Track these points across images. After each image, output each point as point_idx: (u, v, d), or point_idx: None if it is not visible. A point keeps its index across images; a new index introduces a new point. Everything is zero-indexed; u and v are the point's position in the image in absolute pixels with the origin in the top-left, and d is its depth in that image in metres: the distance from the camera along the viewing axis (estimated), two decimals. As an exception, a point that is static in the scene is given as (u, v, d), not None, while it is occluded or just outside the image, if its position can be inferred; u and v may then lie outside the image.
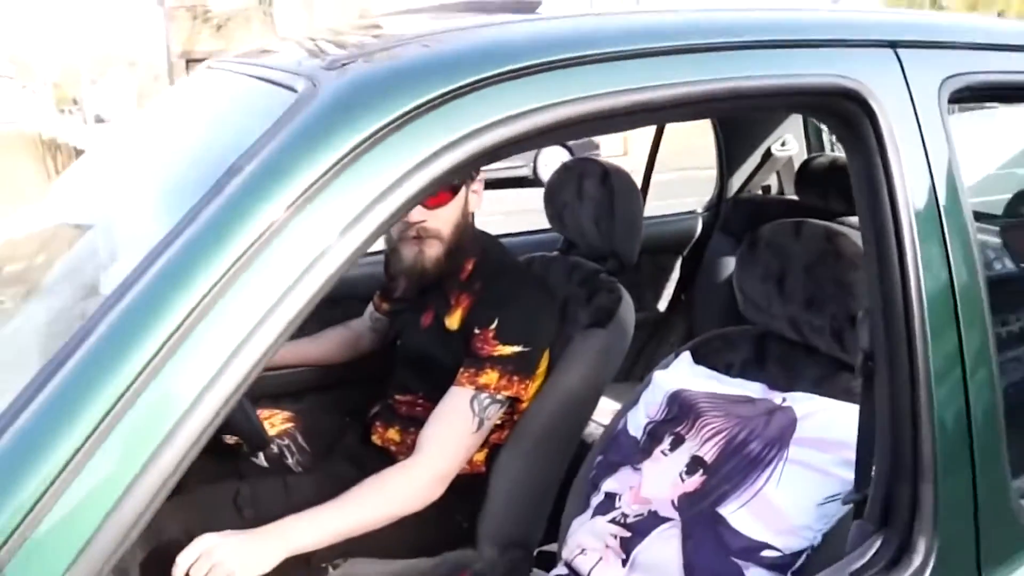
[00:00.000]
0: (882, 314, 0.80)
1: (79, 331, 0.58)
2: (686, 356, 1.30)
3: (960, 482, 0.81)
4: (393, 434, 1.44)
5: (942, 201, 0.82)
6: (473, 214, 1.45)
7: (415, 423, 1.37)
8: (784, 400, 1.08)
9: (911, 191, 0.80)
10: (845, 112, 0.80)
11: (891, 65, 0.83)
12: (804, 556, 0.94)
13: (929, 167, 0.82)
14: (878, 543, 0.80)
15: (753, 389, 1.15)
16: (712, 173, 2.47)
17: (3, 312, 0.99)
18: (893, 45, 0.85)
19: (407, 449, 1.34)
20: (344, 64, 0.68)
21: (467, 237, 1.41)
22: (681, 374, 1.25)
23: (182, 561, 1.06)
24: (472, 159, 0.61)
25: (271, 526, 1.14)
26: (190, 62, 18.90)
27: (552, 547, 1.48)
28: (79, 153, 15.39)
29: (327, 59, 0.72)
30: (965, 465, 0.81)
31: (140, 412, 0.55)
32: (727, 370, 1.25)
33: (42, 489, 0.52)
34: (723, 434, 1.06)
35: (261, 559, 1.09)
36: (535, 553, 1.47)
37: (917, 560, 0.78)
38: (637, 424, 1.20)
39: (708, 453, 1.05)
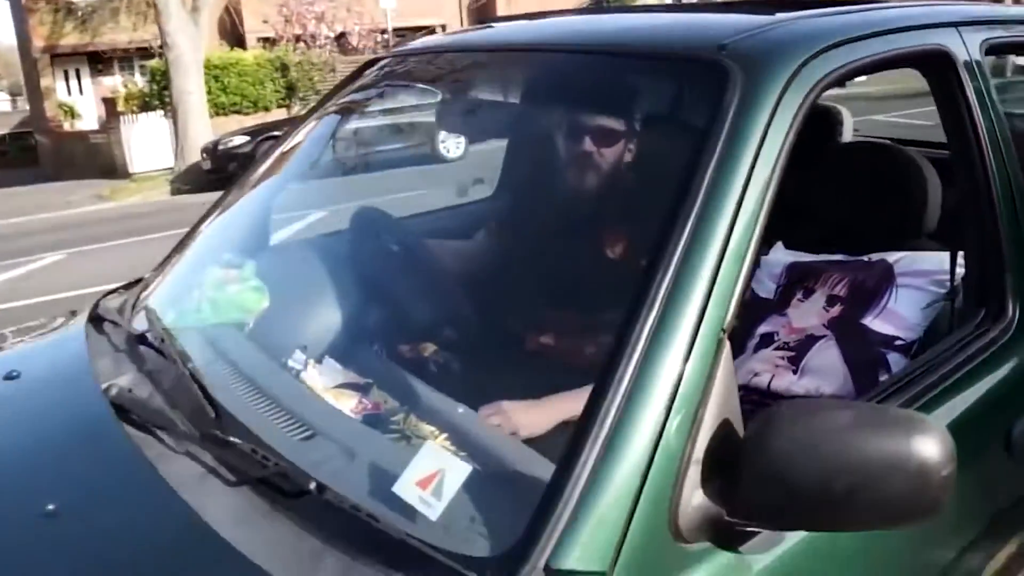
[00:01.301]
0: (968, 177, 1.34)
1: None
2: (779, 245, 1.82)
3: (1021, 272, 1.36)
4: None
5: (993, 112, 1.37)
6: None
7: None
8: (870, 258, 1.62)
9: (977, 108, 1.34)
10: (940, 63, 1.33)
11: (956, 36, 1.37)
12: (917, 343, 1.48)
13: (985, 93, 1.36)
14: (982, 313, 1.34)
15: (842, 258, 1.68)
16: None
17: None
18: (956, 25, 1.39)
19: None
20: (735, 42, 1.11)
21: None
22: (784, 255, 1.77)
23: (483, 412, 1.46)
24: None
25: (546, 399, 1.54)
26: (55, 57, 17.88)
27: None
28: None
29: (711, 32, 1.15)
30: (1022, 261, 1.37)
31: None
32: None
33: None
34: (844, 280, 1.59)
35: (539, 422, 1.49)
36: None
37: (1007, 317, 1.33)
38: (767, 289, 1.71)
39: (839, 292, 1.57)
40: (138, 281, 1.79)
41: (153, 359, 1.26)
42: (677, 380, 0.83)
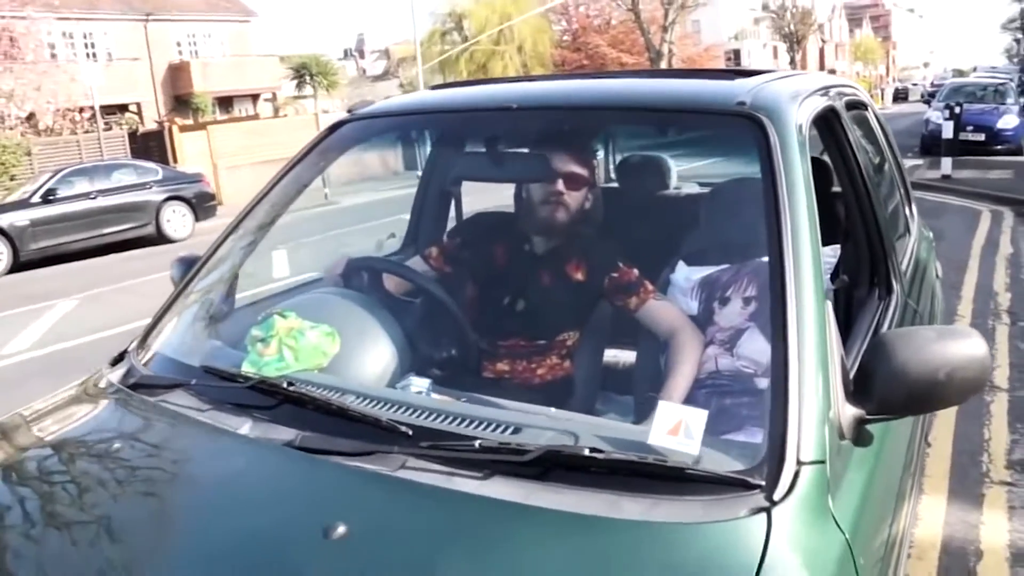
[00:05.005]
0: (855, 198, 1.88)
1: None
2: (681, 264, 2.26)
3: (895, 263, 1.93)
4: None
5: (860, 148, 1.93)
6: None
7: None
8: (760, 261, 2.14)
9: (854, 147, 1.89)
10: (833, 116, 1.85)
11: (837, 98, 1.92)
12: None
13: (854, 136, 1.92)
14: (875, 292, 1.87)
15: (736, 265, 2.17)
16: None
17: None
18: (830, 88, 1.93)
19: None
20: (748, 98, 1.49)
21: None
22: (688, 271, 2.22)
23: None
24: None
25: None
26: None
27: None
28: None
29: (727, 92, 1.53)
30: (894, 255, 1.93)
31: None
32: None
33: None
34: (751, 283, 2.06)
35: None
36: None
37: (895, 291, 1.88)
38: (689, 307, 2.13)
39: (750, 293, 2.04)
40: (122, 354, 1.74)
41: (297, 406, 1.31)
42: (818, 327, 1.18)
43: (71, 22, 23.97)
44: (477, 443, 1.12)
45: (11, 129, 16.49)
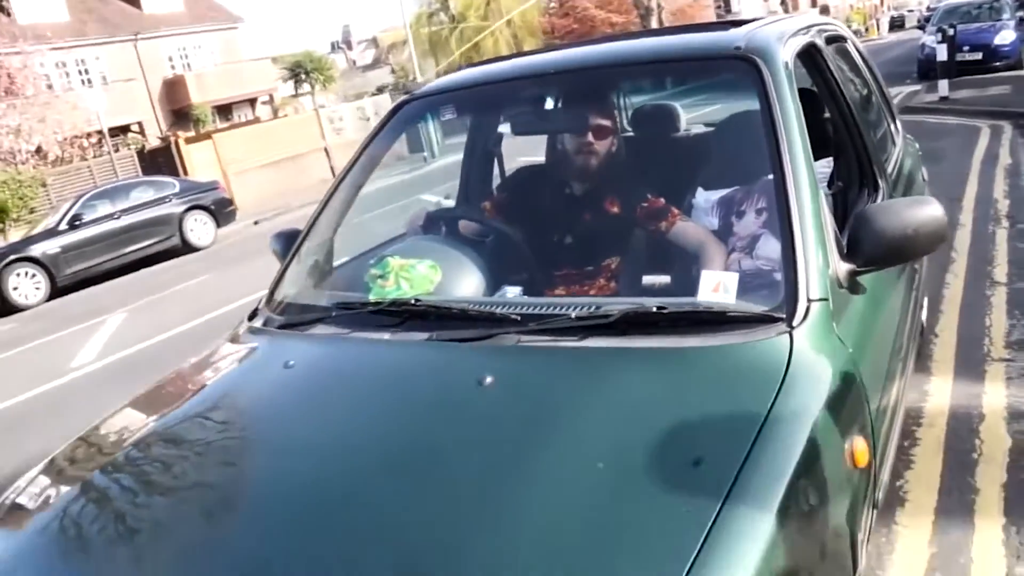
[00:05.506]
0: (841, 119, 2.25)
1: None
2: (700, 189, 2.66)
3: (879, 168, 2.31)
4: None
5: (842, 78, 2.31)
6: None
7: None
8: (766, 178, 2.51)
9: (835, 76, 2.26)
10: (815, 52, 2.22)
11: (817, 35, 2.29)
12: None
13: (835, 66, 2.29)
14: (865, 192, 2.26)
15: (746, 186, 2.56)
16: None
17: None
18: (811, 27, 2.30)
19: None
20: (743, 43, 1.87)
21: None
22: (708, 194, 2.61)
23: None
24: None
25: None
26: None
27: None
28: None
29: (723, 40, 1.91)
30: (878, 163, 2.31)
31: None
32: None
33: None
34: (761, 196, 2.45)
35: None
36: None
37: (880, 189, 2.27)
38: (712, 224, 2.53)
39: (761, 205, 2.43)
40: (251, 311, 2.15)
41: (421, 320, 1.72)
42: (814, 211, 1.58)
43: (63, 51, 24.38)
44: (573, 314, 1.53)
45: (23, 163, 16.99)
